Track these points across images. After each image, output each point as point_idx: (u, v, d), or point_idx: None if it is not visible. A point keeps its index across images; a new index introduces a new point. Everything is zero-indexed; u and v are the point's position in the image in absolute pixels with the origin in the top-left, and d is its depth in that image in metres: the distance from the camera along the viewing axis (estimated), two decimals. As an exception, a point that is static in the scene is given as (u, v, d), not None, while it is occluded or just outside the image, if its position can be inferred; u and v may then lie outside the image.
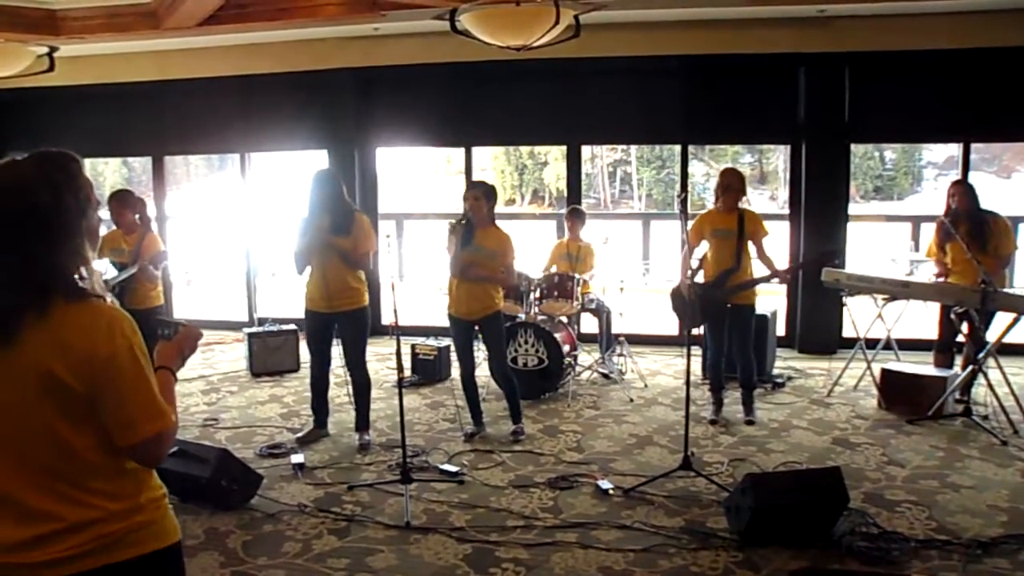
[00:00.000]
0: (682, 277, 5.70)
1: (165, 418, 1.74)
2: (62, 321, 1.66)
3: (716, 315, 5.72)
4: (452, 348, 6.47)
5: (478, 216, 5.33)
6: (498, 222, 5.47)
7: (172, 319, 2.08)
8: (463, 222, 5.32)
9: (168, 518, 1.86)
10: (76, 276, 1.74)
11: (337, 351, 5.47)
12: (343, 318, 5.28)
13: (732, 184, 5.62)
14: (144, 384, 1.72)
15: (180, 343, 2.02)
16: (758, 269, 5.75)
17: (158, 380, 1.86)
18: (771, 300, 7.48)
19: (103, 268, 5.91)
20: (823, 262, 6.17)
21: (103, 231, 6.07)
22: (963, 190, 5.94)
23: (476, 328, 5.53)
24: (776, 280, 5.80)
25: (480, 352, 5.80)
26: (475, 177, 8.85)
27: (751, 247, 5.69)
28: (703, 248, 5.81)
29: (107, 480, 1.73)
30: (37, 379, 1.64)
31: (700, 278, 5.75)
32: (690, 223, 5.58)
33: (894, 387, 6.09)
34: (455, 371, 7.17)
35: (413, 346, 7.12)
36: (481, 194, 5.36)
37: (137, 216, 5.89)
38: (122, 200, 5.87)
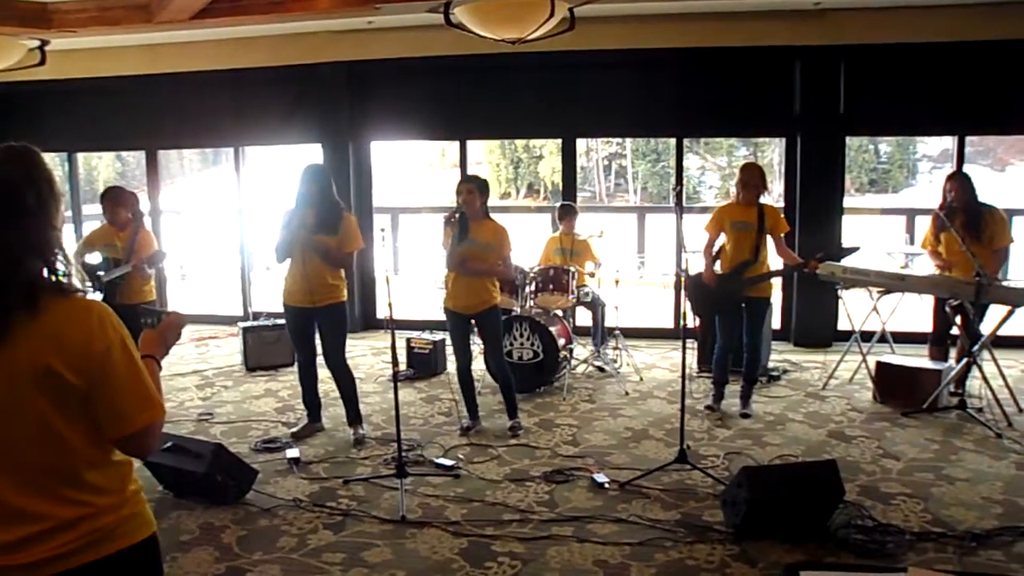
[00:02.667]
0: (706, 268, 5.73)
1: (158, 408, 1.76)
2: (54, 317, 1.65)
3: (730, 308, 5.74)
4: (448, 342, 6.47)
5: (472, 209, 5.31)
6: (493, 215, 5.46)
7: (156, 308, 2.10)
8: (457, 216, 5.31)
9: (146, 508, 1.88)
10: (63, 271, 1.73)
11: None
12: (322, 313, 5.26)
13: (751, 179, 5.64)
14: (138, 375, 1.73)
15: (163, 331, 2.02)
16: (775, 263, 5.80)
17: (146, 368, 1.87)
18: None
19: (95, 260, 5.90)
20: (843, 257, 6.17)
21: (95, 225, 6.11)
22: (959, 183, 5.92)
23: (473, 322, 5.53)
24: (805, 271, 5.86)
25: (476, 346, 5.79)
26: (470, 171, 8.83)
27: (770, 242, 5.73)
28: (720, 240, 5.83)
29: (99, 473, 1.74)
30: (33, 375, 1.63)
31: (717, 269, 5.79)
32: (687, 216, 5.58)
33: (889, 380, 6.11)
34: (451, 365, 7.19)
35: (408, 340, 7.11)
36: (475, 187, 5.34)
37: (130, 212, 5.87)
38: (115, 198, 5.86)
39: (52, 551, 1.66)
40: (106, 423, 1.71)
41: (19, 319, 1.63)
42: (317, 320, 5.31)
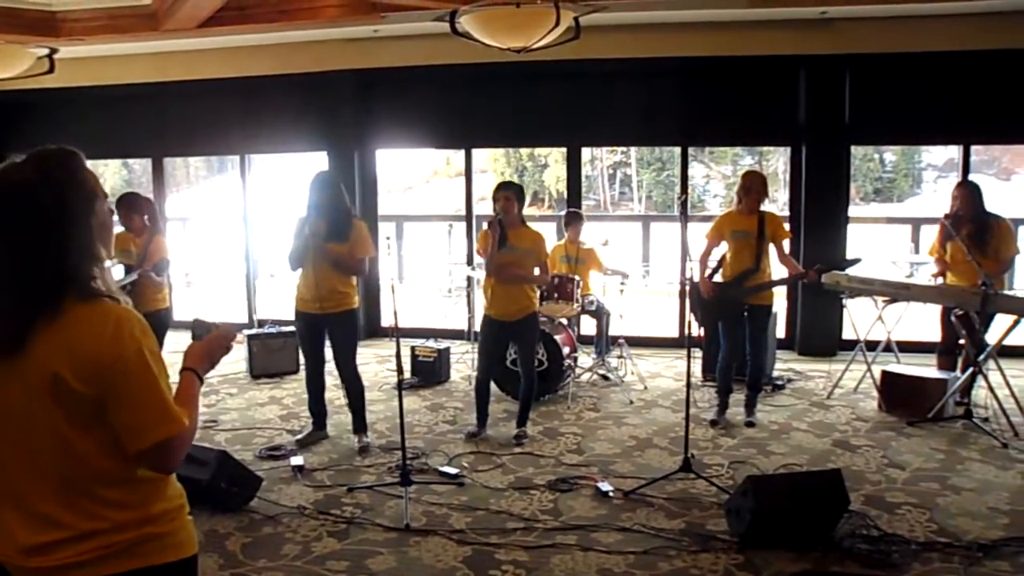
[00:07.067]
0: (701, 276, 5.73)
1: (175, 423, 1.68)
2: (71, 322, 1.63)
3: (732, 316, 5.73)
4: (458, 349, 6.50)
5: (509, 216, 5.35)
6: None
7: (208, 320, 2.00)
8: (497, 223, 5.32)
9: (184, 531, 1.81)
10: (89, 275, 1.69)
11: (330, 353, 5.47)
12: (332, 320, 5.27)
13: (753, 186, 5.62)
14: (153, 387, 1.66)
15: (210, 344, 1.94)
16: (776, 271, 5.78)
17: (181, 382, 1.84)
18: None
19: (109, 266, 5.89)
20: (845, 269, 6.15)
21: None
22: (966, 192, 5.90)
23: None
24: (804, 281, 5.90)
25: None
26: (474, 179, 8.85)
27: (771, 249, 5.72)
28: (721, 248, 5.83)
29: (116, 488, 1.69)
30: (44, 383, 1.61)
31: (718, 278, 5.78)
32: (691, 224, 5.59)
33: (894, 389, 6.09)
34: (455, 373, 7.19)
35: (413, 348, 7.11)
36: (512, 194, 5.39)
37: (146, 217, 5.85)
38: (129, 204, 5.84)
39: (66, 559, 1.64)
40: (122, 435, 1.65)
41: (40, 325, 1.61)
42: (327, 327, 5.32)
